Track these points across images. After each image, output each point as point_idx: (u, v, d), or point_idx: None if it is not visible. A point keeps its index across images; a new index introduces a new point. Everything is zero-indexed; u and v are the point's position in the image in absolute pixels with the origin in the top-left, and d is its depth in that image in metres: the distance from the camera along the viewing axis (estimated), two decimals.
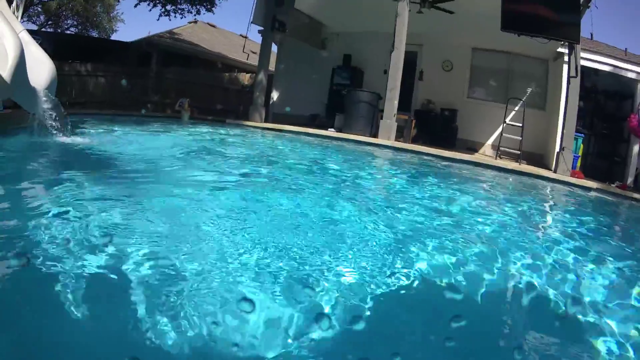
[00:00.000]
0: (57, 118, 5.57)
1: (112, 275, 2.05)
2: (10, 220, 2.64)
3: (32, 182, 3.74)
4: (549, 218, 5.36)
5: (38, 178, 4.01)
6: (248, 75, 18.24)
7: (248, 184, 4.52)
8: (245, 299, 1.96)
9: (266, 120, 13.72)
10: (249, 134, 10.97)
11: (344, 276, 2.33)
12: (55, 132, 5.58)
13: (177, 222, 2.90)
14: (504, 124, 11.48)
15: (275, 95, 16.49)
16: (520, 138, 11.04)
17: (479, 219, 4.21)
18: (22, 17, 7.56)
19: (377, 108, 11.86)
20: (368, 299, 2.13)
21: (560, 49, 11.40)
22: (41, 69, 5.82)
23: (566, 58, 10.44)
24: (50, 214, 2.73)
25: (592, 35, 12.98)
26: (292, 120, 13.39)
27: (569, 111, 10.04)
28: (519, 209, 5.15)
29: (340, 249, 2.78)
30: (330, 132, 11.79)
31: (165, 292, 1.93)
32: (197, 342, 1.69)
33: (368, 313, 2.04)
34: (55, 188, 3.49)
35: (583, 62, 10.63)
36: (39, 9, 28.64)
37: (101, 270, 2.08)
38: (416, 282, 2.40)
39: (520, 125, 11.12)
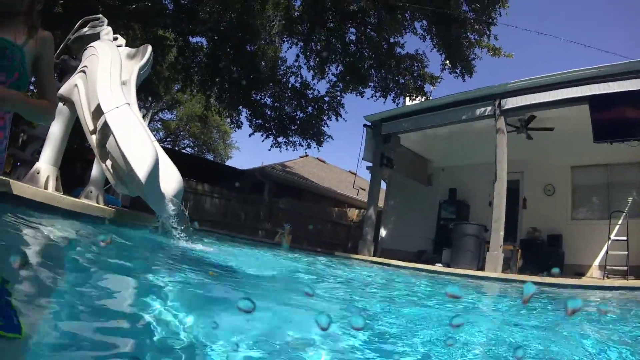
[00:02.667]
0: (180, 224, 5.84)
1: None
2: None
3: (150, 274, 3.87)
4: None
5: (156, 271, 4.16)
6: (357, 211, 18.58)
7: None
8: None
9: (374, 255, 13.70)
10: (359, 267, 10.91)
11: None
12: (176, 236, 5.83)
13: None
14: (609, 241, 10.83)
15: (383, 231, 16.57)
16: (626, 252, 10.26)
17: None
18: None
19: (483, 240, 11.60)
20: None
21: None
22: (171, 178, 6.22)
23: None
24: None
25: None
26: (399, 255, 13.28)
27: None
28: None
29: None
30: (438, 267, 11.51)
31: None
32: None
33: None
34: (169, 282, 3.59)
35: None
36: (159, 125, 31.43)
37: None
38: None
39: (625, 239, 10.43)
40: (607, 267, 10.69)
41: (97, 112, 5.93)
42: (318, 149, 18.87)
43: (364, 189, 18.39)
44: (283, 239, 13.84)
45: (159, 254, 5.55)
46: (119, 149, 5.34)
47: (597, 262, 12.11)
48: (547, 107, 11.09)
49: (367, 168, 15.43)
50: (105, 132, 5.68)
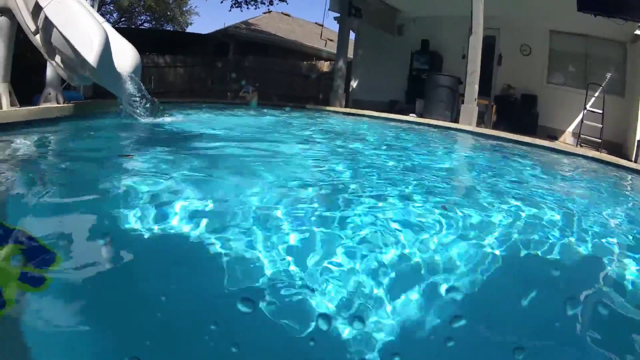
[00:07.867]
0: (143, 100, 5.66)
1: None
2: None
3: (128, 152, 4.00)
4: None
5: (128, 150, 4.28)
6: (326, 62, 18.09)
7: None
8: None
9: (346, 107, 13.62)
10: (330, 118, 10.88)
11: None
12: (141, 113, 5.67)
13: None
14: (585, 111, 10.79)
15: (354, 82, 16.29)
16: (601, 125, 10.36)
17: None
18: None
19: (457, 93, 11.45)
20: None
21: (637, 32, 10.43)
22: (125, 55, 5.88)
23: None
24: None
25: None
26: (371, 106, 13.17)
27: None
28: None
29: None
30: (412, 117, 11.49)
31: None
32: None
33: None
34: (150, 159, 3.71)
35: None
36: (112, 7, 29.53)
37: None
38: None
39: (601, 112, 10.44)
40: (581, 135, 10.77)
41: (36, 10, 5.42)
42: (286, 1, 17.94)
43: (332, 40, 17.82)
44: (249, 98, 13.60)
45: (126, 135, 5.45)
46: (65, 38, 4.97)
47: (570, 128, 12.13)
48: None
49: (335, 19, 14.83)
50: (47, 27, 5.27)
